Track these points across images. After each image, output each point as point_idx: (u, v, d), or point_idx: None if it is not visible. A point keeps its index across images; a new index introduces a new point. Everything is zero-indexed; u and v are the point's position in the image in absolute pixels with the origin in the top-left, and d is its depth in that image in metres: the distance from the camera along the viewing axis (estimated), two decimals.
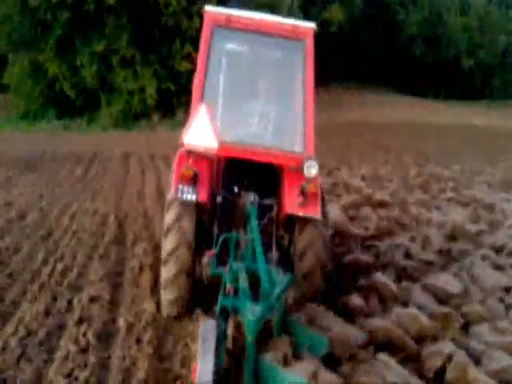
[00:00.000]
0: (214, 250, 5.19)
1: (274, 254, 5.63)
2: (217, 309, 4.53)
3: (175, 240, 5.36)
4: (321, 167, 16.45)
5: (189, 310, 5.68)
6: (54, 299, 6.39)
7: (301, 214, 5.41)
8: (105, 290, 6.65)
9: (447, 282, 6.48)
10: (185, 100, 30.86)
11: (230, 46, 6.17)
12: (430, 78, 50.09)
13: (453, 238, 9.02)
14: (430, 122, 33.48)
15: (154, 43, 30.16)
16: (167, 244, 5.43)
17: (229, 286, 4.51)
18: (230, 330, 4.75)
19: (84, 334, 5.30)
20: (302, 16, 32.29)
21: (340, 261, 7.51)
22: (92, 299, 6.31)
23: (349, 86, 45.59)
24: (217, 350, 3.95)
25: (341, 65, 45.43)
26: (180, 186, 5.33)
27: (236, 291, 4.46)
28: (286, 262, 5.74)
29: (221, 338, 4.20)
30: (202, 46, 5.72)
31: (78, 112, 30.68)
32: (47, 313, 5.92)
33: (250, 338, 3.94)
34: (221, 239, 5.18)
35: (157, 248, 8.62)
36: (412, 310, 5.49)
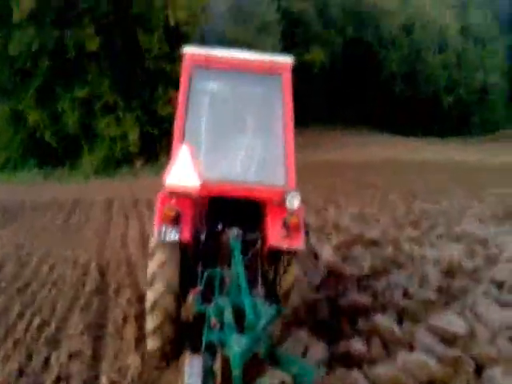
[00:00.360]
0: (199, 288, 5.18)
1: (260, 289, 5.56)
2: (203, 344, 4.47)
3: (160, 289, 5.28)
4: (308, 207, 16.22)
5: (176, 358, 5.53)
6: (29, 357, 5.88)
7: (285, 246, 5.41)
8: (85, 345, 6.16)
9: (451, 322, 6.10)
10: (168, 144, 30.70)
11: (210, 85, 6.16)
12: (410, 116, 50.59)
13: (450, 274, 8.68)
14: (412, 160, 33.58)
15: (137, 88, 30.11)
16: (152, 293, 5.32)
17: (214, 320, 4.48)
18: (217, 366, 4.42)
19: None
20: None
21: (337, 303, 7.10)
22: (71, 355, 5.81)
23: (330, 127, 45.94)
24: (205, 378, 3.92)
25: (321, 106, 45.89)
26: (163, 228, 5.27)
27: (222, 326, 4.43)
28: (273, 295, 5.68)
29: (208, 373, 4.11)
30: (182, 87, 5.80)
31: (59, 160, 30.21)
32: (21, 373, 5.40)
33: (236, 370, 3.91)
34: (205, 276, 5.22)
35: (141, 297, 8.15)
36: (419, 355, 5.08)
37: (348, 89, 47.28)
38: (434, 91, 50.93)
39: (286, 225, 5.39)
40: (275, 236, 5.44)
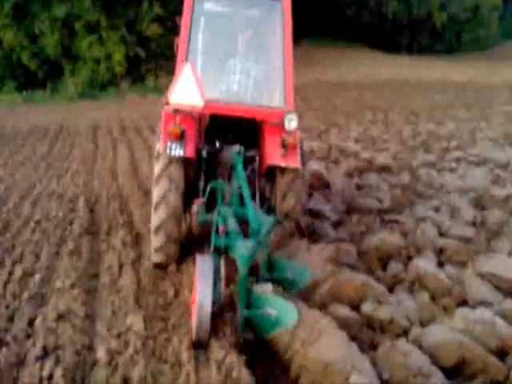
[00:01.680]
0: (202, 199, 5.59)
1: (258, 202, 5.89)
2: (211, 249, 4.83)
3: (165, 185, 5.60)
4: (308, 130, 15.17)
5: (177, 260, 5.91)
6: (11, 319, 4.96)
7: (282, 164, 5.71)
8: (76, 302, 5.23)
9: (502, 265, 5.23)
10: (154, 66, 28.98)
11: (211, 7, 6.28)
12: (404, 35, 48.92)
13: (480, 205, 7.82)
14: (409, 79, 32.14)
15: (120, 6, 27.96)
16: (158, 190, 5.63)
17: (221, 226, 4.76)
18: (222, 268, 4.86)
19: (50, 377, 3.92)
20: None
21: (363, 244, 6.20)
22: (60, 316, 4.90)
23: (324, 43, 43.93)
24: (213, 283, 4.25)
25: (313, 21, 43.56)
26: (168, 143, 5.53)
27: (227, 232, 4.74)
28: (268, 208, 6.03)
29: (216, 273, 4.45)
30: (185, 9, 5.90)
31: (40, 83, 28.47)
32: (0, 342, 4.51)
33: (243, 270, 4.29)
34: (209, 188, 5.58)
35: (137, 238, 7.29)
36: (482, 312, 4.21)
37: (339, 5, 44.82)
38: (427, 10, 48.74)
39: (283, 144, 5.63)
40: (273, 154, 5.72)
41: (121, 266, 6.24)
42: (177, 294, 5.53)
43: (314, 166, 10.72)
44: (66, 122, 20.33)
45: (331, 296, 4.81)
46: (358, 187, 9.15)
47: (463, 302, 4.76)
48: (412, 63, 40.88)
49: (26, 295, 5.43)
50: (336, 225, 7.09)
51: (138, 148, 14.07)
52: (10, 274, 6.08)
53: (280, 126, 5.64)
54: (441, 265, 5.66)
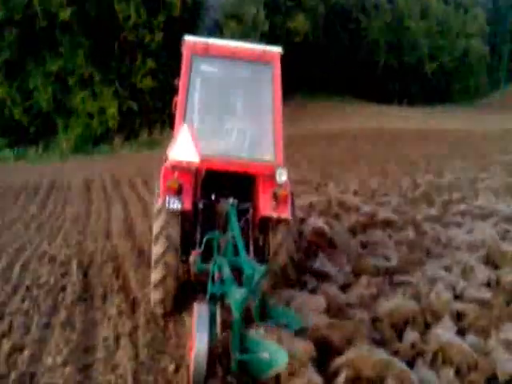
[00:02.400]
0: (199, 250, 5.94)
1: (252, 251, 6.22)
2: (207, 296, 5.15)
3: (163, 245, 5.98)
4: (305, 183, 14.91)
5: (176, 309, 6.26)
6: None
7: (274, 215, 6.08)
8: (69, 382, 4.79)
9: None
10: (148, 120, 29.00)
11: (208, 70, 6.73)
12: (395, 84, 49.61)
13: (492, 262, 7.50)
14: (403, 129, 32.40)
15: (114, 60, 28.21)
16: (156, 249, 6.02)
17: (217, 274, 5.16)
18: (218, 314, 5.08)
19: None
20: (267, 25, 31.06)
21: (376, 310, 5.82)
22: None
23: (315, 96, 44.43)
24: (210, 329, 4.49)
25: (305, 75, 44.30)
26: (167, 198, 5.94)
27: (222, 280, 5.10)
28: (261, 258, 6.28)
29: (212, 319, 4.69)
30: (183, 72, 6.36)
31: (32, 140, 28.28)
32: None
33: (237, 314, 4.55)
34: (205, 239, 5.93)
35: (134, 304, 6.86)
36: None
37: (331, 58, 45.66)
38: (418, 59, 49.79)
39: (275, 196, 6.04)
40: (266, 206, 6.10)
41: (117, 338, 5.83)
42: (177, 369, 5.14)
43: (315, 221, 10.44)
44: (59, 178, 20.04)
45: (348, 371, 4.41)
46: (363, 245, 8.82)
47: (493, 377, 4.37)
48: (404, 113, 41.41)
49: (13, 375, 4.98)
50: (344, 287, 6.73)
51: (133, 204, 13.76)
52: None
53: (271, 180, 6.07)
54: (461, 333, 5.28)
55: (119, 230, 11.08)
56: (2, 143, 28.47)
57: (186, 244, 6.27)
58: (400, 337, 5.30)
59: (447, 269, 7.21)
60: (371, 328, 5.33)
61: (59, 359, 5.25)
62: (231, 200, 6.15)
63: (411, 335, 5.15)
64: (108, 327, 6.11)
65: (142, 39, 27.46)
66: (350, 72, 46.42)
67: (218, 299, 5.09)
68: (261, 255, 6.35)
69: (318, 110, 39.72)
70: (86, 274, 8.34)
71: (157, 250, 6.01)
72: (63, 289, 7.63)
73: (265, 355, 4.38)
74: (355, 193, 14.09)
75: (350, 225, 10.11)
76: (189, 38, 6.45)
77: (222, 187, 6.45)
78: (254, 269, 4.99)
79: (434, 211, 11.15)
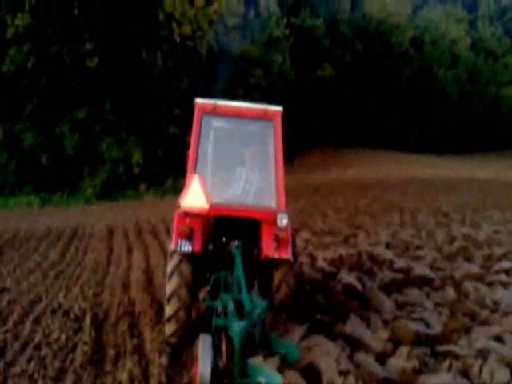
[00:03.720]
0: (207, 287, 6.70)
1: (256, 288, 6.86)
2: (212, 328, 5.72)
3: (176, 282, 6.52)
4: (334, 233, 14.24)
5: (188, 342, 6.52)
6: None
7: (276, 256, 6.69)
8: None
9: None
10: (173, 166, 28.87)
11: (216, 127, 7.44)
12: (424, 133, 49.04)
13: None
14: (433, 178, 31.69)
15: (140, 107, 28.44)
16: (170, 285, 6.55)
17: (220, 309, 5.85)
18: (222, 346, 5.50)
19: None
20: (293, 73, 31.09)
21: None
22: None
23: (341, 146, 44.07)
24: (213, 356, 5.00)
25: (331, 125, 44.13)
26: (179, 241, 6.59)
27: (226, 314, 5.68)
28: (266, 294, 6.78)
29: (216, 350, 5.23)
30: (194, 129, 7.06)
31: (58, 185, 28.40)
32: None
33: (237, 344, 5.08)
34: (212, 278, 6.67)
35: (147, 370, 6.24)
36: None
37: (358, 107, 45.48)
38: (447, 107, 49.19)
39: (276, 239, 6.68)
40: (268, 248, 6.72)
41: None
42: None
43: (346, 277, 9.75)
44: (82, 224, 19.80)
45: None
46: (399, 305, 8.07)
47: None
48: (433, 162, 40.67)
49: None
50: (380, 357, 6.00)
51: (154, 253, 13.30)
52: None
53: (274, 224, 6.67)
54: None
55: (138, 282, 10.57)
56: (29, 188, 28.64)
57: (196, 283, 6.85)
58: None
59: (498, 338, 6.40)
60: None
61: None
62: (236, 242, 6.71)
63: None
64: None
65: (168, 87, 27.65)
66: (379, 120, 46.11)
67: (221, 331, 5.60)
68: (265, 291, 6.92)
69: (345, 158, 39.36)
70: (99, 331, 7.81)
71: (170, 286, 6.55)
72: (73, 348, 7.09)
73: (261, 380, 4.95)
74: (387, 245, 13.35)
75: (384, 282, 9.37)
76: (199, 100, 7.22)
77: (231, 231, 7.05)
78: (254, 304, 5.61)
79: (474, 268, 10.34)
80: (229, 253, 6.73)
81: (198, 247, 6.62)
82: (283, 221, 6.64)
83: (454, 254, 11.91)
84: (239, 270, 6.16)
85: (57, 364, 6.53)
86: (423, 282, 9.46)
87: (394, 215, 19.14)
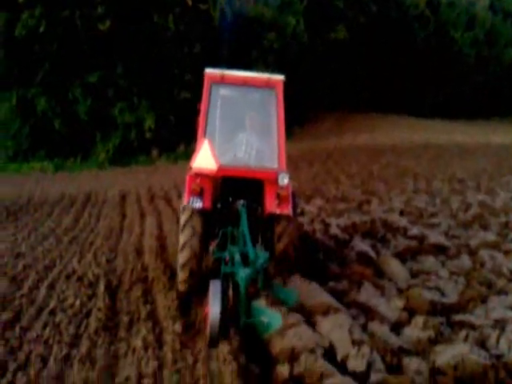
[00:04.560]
0: (216, 241, 7.39)
1: (260, 242, 7.54)
2: (221, 275, 6.39)
3: (188, 234, 7.14)
4: (346, 200, 14.09)
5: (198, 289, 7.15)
6: None
7: (277, 212, 7.29)
8: None
9: None
10: (185, 132, 28.71)
11: (224, 95, 7.91)
12: (439, 97, 48.07)
13: None
14: (448, 144, 31.20)
15: (152, 72, 28.10)
16: (183, 236, 7.17)
17: (227, 258, 6.62)
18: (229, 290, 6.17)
19: None
20: (307, 36, 30.44)
21: (435, 358, 5.00)
22: None
23: (355, 110, 43.41)
24: (222, 299, 5.75)
25: (346, 88, 43.40)
26: (191, 198, 7.24)
27: (233, 263, 6.39)
28: (269, 248, 7.41)
29: (224, 294, 5.92)
30: (204, 97, 7.62)
31: (71, 150, 28.41)
32: None
33: (242, 289, 5.83)
34: (220, 233, 7.34)
35: (160, 337, 6.25)
36: None
37: (372, 69, 44.53)
38: (463, 70, 48.01)
39: (278, 196, 7.26)
40: (271, 205, 7.33)
41: (140, 379, 5.21)
42: None
43: (360, 245, 9.68)
44: (95, 190, 19.86)
45: None
46: (413, 274, 8.00)
47: None
48: (448, 127, 39.99)
49: None
50: (395, 327, 5.95)
51: (167, 219, 13.26)
52: None
53: (275, 183, 7.26)
54: None
55: (151, 248, 10.54)
56: (42, 154, 28.72)
57: (206, 237, 7.49)
58: None
59: None
60: (431, 383, 4.54)
61: None
62: (242, 201, 7.40)
63: None
64: (131, 364, 5.51)
65: (179, 51, 27.23)
66: (392, 84, 45.23)
67: (229, 277, 6.27)
68: (268, 245, 7.55)
69: (358, 123, 38.79)
70: (113, 297, 7.83)
71: (183, 237, 7.16)
72: (88, 314, 7.12)
73: (264, 319, 5.70)
74: (401, 212, 13.22)
75: (398, 249, 9.28)
76: (208, 70, 7.74)
77: (237, 191, 7.65)
78: (257, 255, 6.26)
79: (490, 236, 10.20)
80: (235, 210, 7.38)
81: (207, 204, 7.30)
82: (284, 180, 7.21)
83: (470, 222, 11.76)
84: (244, 226, 6.86)
85: (71, 330, 6.55)
86: (438, 249, 9.35)
87: (408, 181, 18.94)
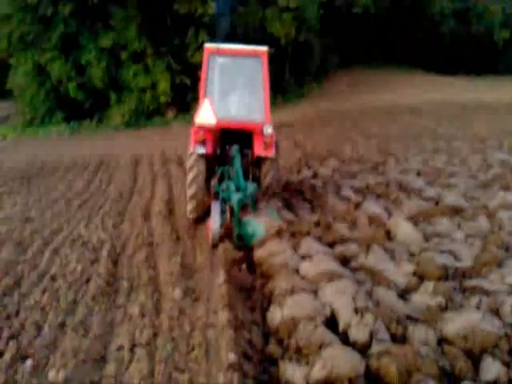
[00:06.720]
0: (217, 177, 9.02)
1: (250, 178, 9.27)
2: (219, 198, 8.40)
3: (195, 172, 8.90)
4: (362, 161, 13.60)
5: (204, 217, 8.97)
6: None
7: (263, 155, 9.06)
8: None
9: None
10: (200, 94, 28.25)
11: (220, 63, 9.35)
12: (461, 54, 46.31)
13: None
14: (470, 102, 30.12)
15: (166, 34, 27.48)
16: (190, 175, 8.95)
17: (223, 187, 8.48)
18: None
19: None
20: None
21: (444, 328, 4.68)
22: None
23: (376, 68, 42.21)
24: (221, 216, 7.92)
25: (366, 47, 42.08)
26: (196, 146, 8.91)
27: (227, 190, 8.30)
28: (257, 181, 9.23)
29: (222, 212, 8.11)
30: (204, 66, 9.23)
31: (87, 114, 28.23)
32: None
33: (236, 208, 7.77)
34: (219, 171, 9.00)
35: (158, 304, 6.05)
36: None
37: (393, 28, 42.93)
38: (487, 28, 46.00)
39: (264, 143, 8.95)
40: (258, 149, 9.06)
41: (132, 347, 5.03)
42: None
43: (372, 207, 9.31)
44: (109, 153, 19.70)
45: None
46: (426, 236, 7.62)
47: None
48: (471, 85, 38.66)
49: None
50: (404, 293, 5.63)
51: (178, 183, 12.99)
52: (0, 354, 4.97)
53: (262, 132, 8.88)
54: None
55: (160, 212, 10.30)
56: (59, 117, 28.61)
57: (208, 175, 9.17)
58: (476, 368, 4.19)
59: None
60: (438, 353, 4.24)
61: (62, 375, 4.49)
62: (236, 146, 8.87)
63: (491, 367, 4.02)
64: (125, 333, 5.31)
65: (194, 12, 26.51)
66: (413, 42, 43.70)
67: (225, 200, 8.24)
68: (257, 180, 9.27)
69: (377, 81, 37.70)
70: (115, 262, 7.67)
71: (190, 175, 8.92)
72: (88, 280, 6.96)
73: (251, 229, 7.72)
74: (418, 173, 12.74)
75: (412, 212, 8.88)
76: (207, 45, 9.30)
77: (232, 139, 9.21)
78: (246, 184, 8.20)
79: (510, 197, 9.71)
80: (231, 154, 8.86)
81: (209, 150, 9.00)
82: (268, 130, 8.82)
83: (490, 182, 11.24)
84: (238, 165, 8.50)
85: (70, 296, 6.41)
86: (454, 211, 8.92)
87: (427, 142, 18.31)
